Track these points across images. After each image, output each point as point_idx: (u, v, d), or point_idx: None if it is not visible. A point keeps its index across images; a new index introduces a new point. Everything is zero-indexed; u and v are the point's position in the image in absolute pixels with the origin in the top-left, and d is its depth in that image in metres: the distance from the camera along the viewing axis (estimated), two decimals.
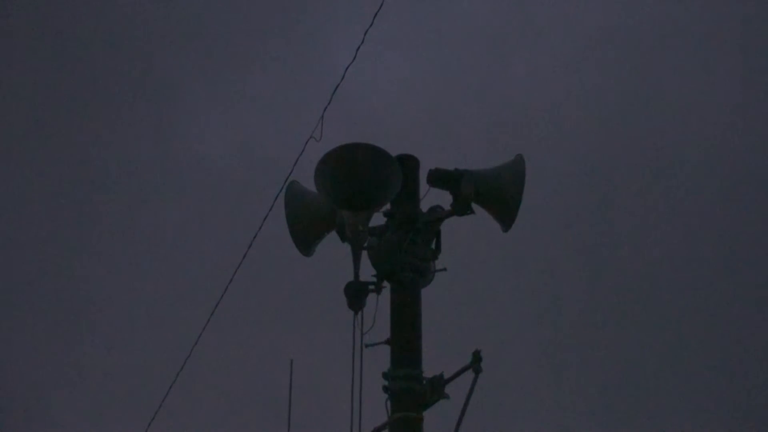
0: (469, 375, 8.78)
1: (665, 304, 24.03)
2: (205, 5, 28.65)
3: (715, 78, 26.86)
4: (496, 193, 9.37)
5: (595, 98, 26.54)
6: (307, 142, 9.72)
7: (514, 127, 24.45)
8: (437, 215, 9.34)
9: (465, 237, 9.87)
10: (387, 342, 8.98)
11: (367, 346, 8.91)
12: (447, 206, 9.39)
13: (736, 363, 23.06)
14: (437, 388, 8.80)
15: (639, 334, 23.72)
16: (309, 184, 9.39)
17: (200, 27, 28.97)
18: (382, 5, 9.07)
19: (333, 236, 9.43)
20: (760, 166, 24.97)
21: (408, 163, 9.39)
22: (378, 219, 9.27)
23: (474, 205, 9.38)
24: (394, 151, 9.05)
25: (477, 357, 8.77)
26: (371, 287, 9.07)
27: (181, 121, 29.09)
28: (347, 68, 9.56)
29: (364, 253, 9.09)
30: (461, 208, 9.33)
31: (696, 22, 27.31)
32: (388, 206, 9.27)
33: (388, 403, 8.80)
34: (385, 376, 8.86)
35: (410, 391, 8.76)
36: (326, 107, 9.67)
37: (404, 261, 9.09)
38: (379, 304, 9.04)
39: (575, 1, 26.98)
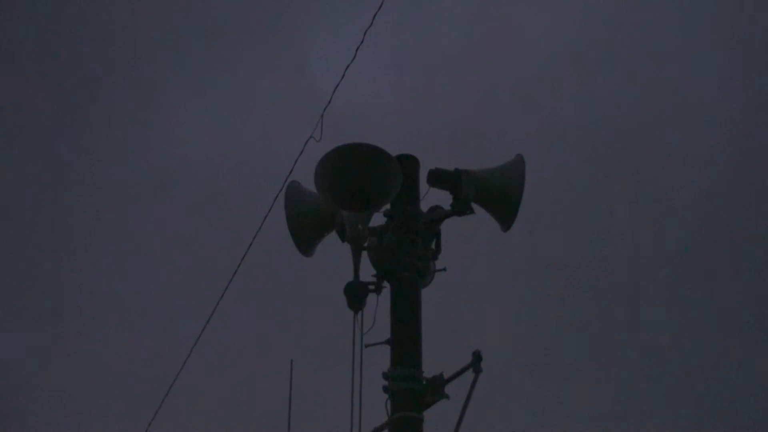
0: (469, 375, 8.78)
1: (665, 304, 24.05)
2: (196, 5, 28.69)
3: (713, 77, 26.89)
4: (496, 193, 9.38)
5: (594, 98, 26.56)
6: (306, 142, 9.73)
7: (514, 126, 24.46)
8: (437, 215, 9.34)
9: (465, 237, 9.87)
10: (387, 342, 8.98)
11: (367, 346, 8.91)
12: (447, 206, 9.39)
13: (735, 363, 23.07)
14: (437, 388, 8.80)
15: (639, 333, 23.74)
16: (309, 184, 9.39)
17: (192, 26, 28.99)
18: (381, 6, 9.09)
19: (333, 236, 9.43)
20: (760, 166, 25.00)
21: (408, 163, 9.39)
22: (378, 219, 9.28)
23: (474, 205, 9.38)
24: (393, 151, 9.06)
25: (477, 357, 8.76)
26: (371, 287, 9.07)
27: (174, 121, 29.12)
28: (347, 68, 9.57)
29: (364, 253, 9.09)
30: (461, 208, 9.33)
31: (693, 25, 27.34)
32: (388, 206, 9.27)
33: (388, 403, 8.80)
34: (385, 376, 8.85)
35: (410, 391, 8.76)
36: (326, 107, 9.68)
37: (404, 261, 9.09)
38: (379, 304, 9.05)
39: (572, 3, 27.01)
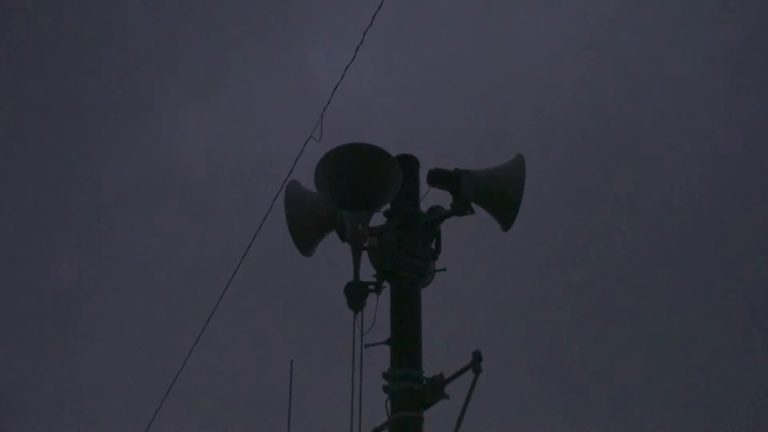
0: (469, 375, 8.78)
1: (665, 303, 24.04)
2: (196, 6, 28.69)
3: (714, 77, 26.88)
4: (496, 193, 9.37)
5: (594, 98, 26.56)
6: (306, 142, 9.73)
7: (514, 126, 24.46)
8: (437, 215, 9.33)
9: (465, 237, 9.87)
10: (387, 342, 8.98)
11: (367, 346, 8.91)
12: (447, 206, 9.39)
13: (735, 363, 23.07)
14: (437, 388, 8.79)
15: (639, 333, 23.73)
16: (309, 184, 9.39)
17: (192, 26, 29.00)
18: (381, 6, 9.08)
19: (333, 236, 9.43)
20: (759, 166, 25.00)
21: (408, 163, 9.39)
22: (378, 219, 9.28)
23: (474, 205, 9.38)
24: (393, 151, 9.06)
25: (477, 357, 8.76)
26: (371, 287, 9.07)
27: (174, 121, 29.13)
28: (347, 68, 9.57)
29: (364, 253, 9.09)
30: (461, 208, 9.33)
31: (693, 25, 27.34)
32: (388, 206, 9.27)
33: (388, 403, 8.80)
34: (385, 376, 8.85)
35: (410, 391, 8.76)
36: (326, 107, 9.68)
37: (404, 261, 9.09)
38: (379, 304, 9.05)
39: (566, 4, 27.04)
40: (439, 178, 9.39)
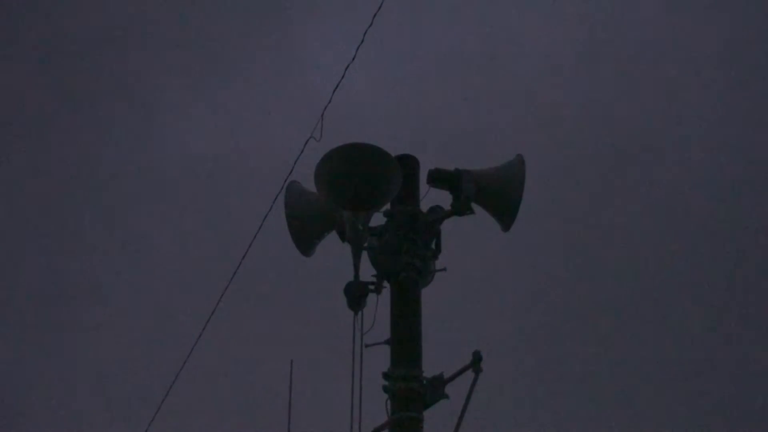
0: (469, 375, 8.78)
1: (667, 304, 24.04)
2: (196, 5, 28.70)
3: (714, 77, 26.89)
4: (496, 193, 9.38)
5: (594, 98, 26.56)
6: (306, 142, 9.73)
7: (513, 127, 24.46)
8: (437, 215, 9.34)
9: (465, 237, 9.87)
10: (387, 342, 8.98)
11: (367, 346, 8.91)
12: (447, 206, 9.39)
13: (736, 364, 23.07)
14: (437, 388, 8.80)
15: (640, 333, 23.73)
16: (308, 184, 9.39)
17: (192, 25, 29.02)
18: (381, 6, 9.08)
19: (333, 236, 9.43)
20: (756, 165, 25.02)
21: (408, 163, 9.39)
22: (378, 219, 9.28)
23: (474, 205, 9.39)
24: (393, 152, 9.05)
25: (477, 357, 8.77)
26: (371, 287, 9.07)
27: (174, 121, 29.13)
28: (347, 67, 9.56)
29: (364, 253, 9.09)
30: (461, 208, 9.33)
31: (693, 24, 27.35)
32: (388, 206, 9.27)
33: (388, 403, 8.80)
34: (385, 376, 8.85)
35: (410, 391, 8.76)
36: (326, 106, 9.68)
37: (404, 261, 9.09)
38: (379, 304, 9.05)
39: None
40: (439, 178, 9.39)
